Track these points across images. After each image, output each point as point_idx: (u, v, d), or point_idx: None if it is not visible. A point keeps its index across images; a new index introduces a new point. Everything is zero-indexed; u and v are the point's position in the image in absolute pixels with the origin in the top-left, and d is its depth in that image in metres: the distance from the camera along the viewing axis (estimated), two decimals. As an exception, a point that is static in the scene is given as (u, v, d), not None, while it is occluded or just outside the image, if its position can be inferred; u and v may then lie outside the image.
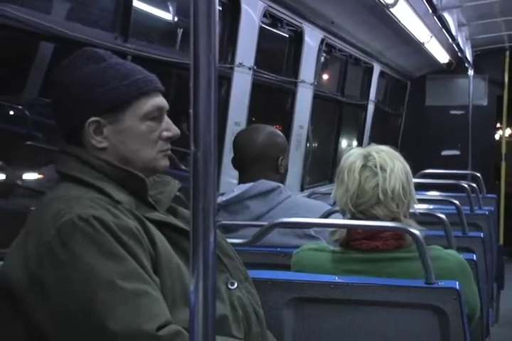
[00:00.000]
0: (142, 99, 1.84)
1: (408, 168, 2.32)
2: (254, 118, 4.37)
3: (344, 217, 2.37)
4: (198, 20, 1.10)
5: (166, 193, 1.92)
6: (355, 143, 7.59)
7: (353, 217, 2.29)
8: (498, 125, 9.77)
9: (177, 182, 1.98)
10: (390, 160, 2.29)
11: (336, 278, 2.19)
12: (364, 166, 2.27)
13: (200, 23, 1.10)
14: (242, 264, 1.98)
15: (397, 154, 2.34)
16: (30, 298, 1.68)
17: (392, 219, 2.26)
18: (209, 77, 1.11)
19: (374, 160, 2.28)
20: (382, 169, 2.26)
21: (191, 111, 1.11)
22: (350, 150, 2.36)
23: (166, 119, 1.90)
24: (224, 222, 2.81)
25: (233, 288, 1.88)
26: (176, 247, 1.80)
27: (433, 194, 4.82)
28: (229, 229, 2.82)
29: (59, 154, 1.89)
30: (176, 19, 3.82)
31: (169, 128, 1.89)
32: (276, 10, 4.41)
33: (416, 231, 2.11)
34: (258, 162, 2.98)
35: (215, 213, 1.13)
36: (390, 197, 2.24)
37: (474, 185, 4.84)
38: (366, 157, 2.29)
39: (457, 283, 2.10)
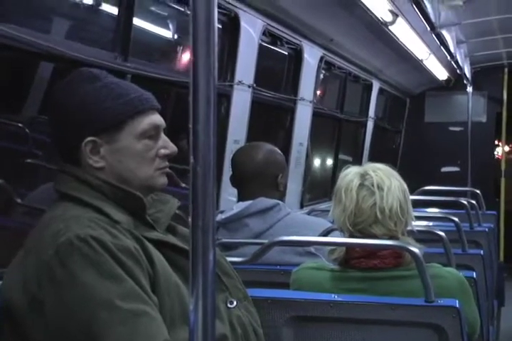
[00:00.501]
0: (138, 118, 1.85)
1: (405, 186, 2.32)
2: (253, 136, 4.37)
3: (343, 235, 2.37)
4: (198, 40, 1.11)
5: (165, 212, 1.92)
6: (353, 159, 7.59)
7: (351, 236, 2.28)
8: (497, 142, 9.78)
9: (176, 200, 1.98)
10: (387, 178, 2.29)
11: (336, 297, 2.18)
12: (361, 185, 2.27)
13: (199, 42, 1.11)
14: (241, 283, 1.97)
15: (394, 172, 2.34)
16: (29, 318, 1.67)
17: (390, 238, 2.25)
18: (208, 95, 1.11)
19: (371, 179, 2.28)
20: (380, 188, 2.26)
21: (191, 126, 1.12)
22: (347, 169, 2.36)
23: (163, 137, 1.90)
24: (223, 240, 2.80)
25: (232, 306, 1.88)
26: (174, 266, 1.79)
27: (432, 211, 4.81)
28: (228, 247, 2.82)
29: (58, 173, 1.89)
30: (175, 37, 3.83)
31: (166, 145, 1.89)
32: (276, 28, 4.43)
33: (415, 250, 2.11)
34: (257, 180, 2.98)
35: (214, 231, 1.13)
36: (388, 216, 2.24)
37: (474, 201, 4.84)
38: (363, 176, 2.29)
39: (457, 301, 2.10)
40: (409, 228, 2.32)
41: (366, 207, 2.24)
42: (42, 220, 1.80)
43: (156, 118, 1.89)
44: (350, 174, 2.31)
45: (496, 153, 9.87)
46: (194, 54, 1.10)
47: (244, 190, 3.00)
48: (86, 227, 1.70)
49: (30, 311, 1.67)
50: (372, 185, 2.26)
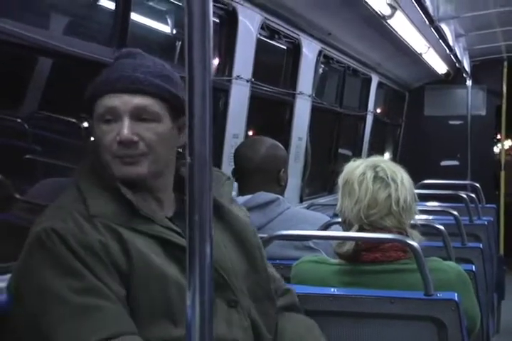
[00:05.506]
0: (97, 101, 1.81)
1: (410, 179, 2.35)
2: (252, 131, 4.36)
3: (343, 228, 2.37)
4: (193, 34, 1.10)
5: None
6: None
7: (361, 229, 2.27)
8: (497, 135, 9.77)
9: None
10: (398, 171, 2.31)
11: (335, 291, 2.18)
12: (376, 177, 2.28)
13: (194, 37, 1.10)
14: (265, 280, 1.93)
15: (397, 165, 2.37)
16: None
17: (399, 230, 2.26)
18: (204, 90, 1.11)
19: (384, 171, 2.29)
20: (393, 180, 2.27)
21: (187, 121, 1.12)
22: (355, 162, 2.37)
23: (124, 122, 1.77)
24: (223, 234, 2.79)
25: (235, 307, 1.83)
26: (173, 259, 1.75)
27: (432, 204, 4.81)
28: (228, 242, 2.81)
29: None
30: (174, 32, 3.83)
31: (119, 132, 1.76)
32: (274, 22, 4.42)
33: (414, 243, 2.11)
34: (259, 174, 2.98)
35: (210, 226, 1.13)
36: (402, 208, 2.25)
37: (473, 195, 4.84)
38: (375, 168, 2.30)
39: (456, 294, 2.10)
40: (411, 222, 2.33)
41: (381, 199, 2.25)
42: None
43: (114, 101, 1.77)
44: (361, 167, 2.32)
45: (495, 146, 9.86)
46: (189, 49, 1.10)
47: (246, 184, 3.00)
48: (57, 219, 1.69)
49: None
50: (387, 177, 2.27)
